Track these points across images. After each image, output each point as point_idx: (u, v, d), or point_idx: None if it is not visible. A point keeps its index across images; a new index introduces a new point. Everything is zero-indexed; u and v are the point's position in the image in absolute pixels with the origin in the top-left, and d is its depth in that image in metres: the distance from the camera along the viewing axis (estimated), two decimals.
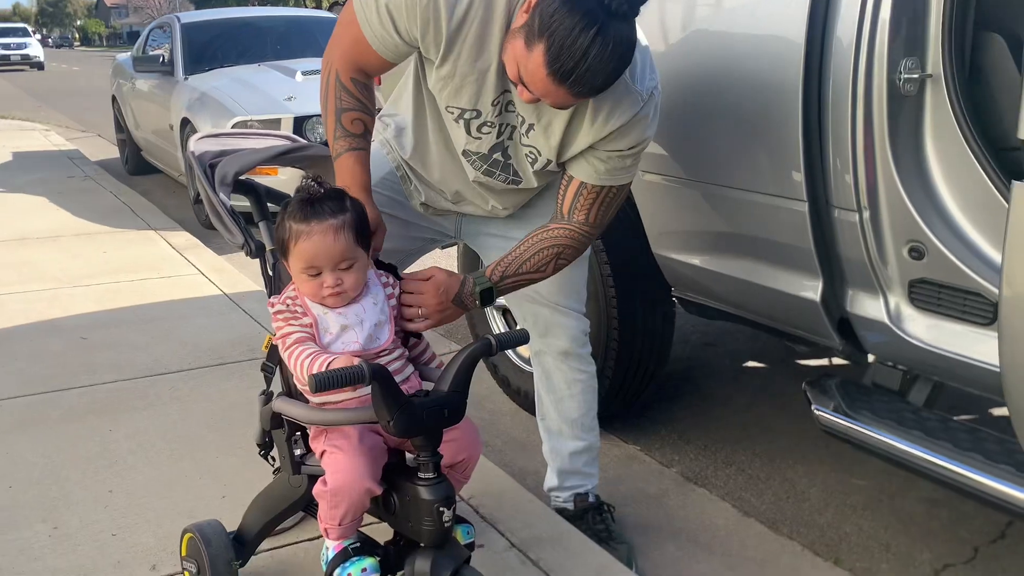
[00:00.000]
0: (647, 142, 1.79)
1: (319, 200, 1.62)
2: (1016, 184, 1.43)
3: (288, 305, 1.63)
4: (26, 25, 40.99)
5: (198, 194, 6.07)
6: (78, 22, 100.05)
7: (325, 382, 1.45)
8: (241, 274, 4.49)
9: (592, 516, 2.27)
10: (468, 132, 1.82)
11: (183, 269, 4.60)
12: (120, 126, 8.44)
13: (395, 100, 2.03)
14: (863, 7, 1.82)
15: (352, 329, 1.65)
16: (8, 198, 6.52)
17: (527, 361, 2.92)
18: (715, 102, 2.18)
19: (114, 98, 8.52)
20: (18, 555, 2.08)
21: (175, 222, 5.75)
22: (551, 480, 2.33)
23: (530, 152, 1.84)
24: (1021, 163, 1.48)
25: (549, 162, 1.83)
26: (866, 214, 1.90)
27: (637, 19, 1.79)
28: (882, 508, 2.48)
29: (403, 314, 1.74)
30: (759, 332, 3.67)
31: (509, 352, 3.07)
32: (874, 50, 1.82)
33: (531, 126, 1.79)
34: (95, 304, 3.98)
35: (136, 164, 8.13)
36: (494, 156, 1.86)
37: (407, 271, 1.92)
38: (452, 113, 1.81)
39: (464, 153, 1.88)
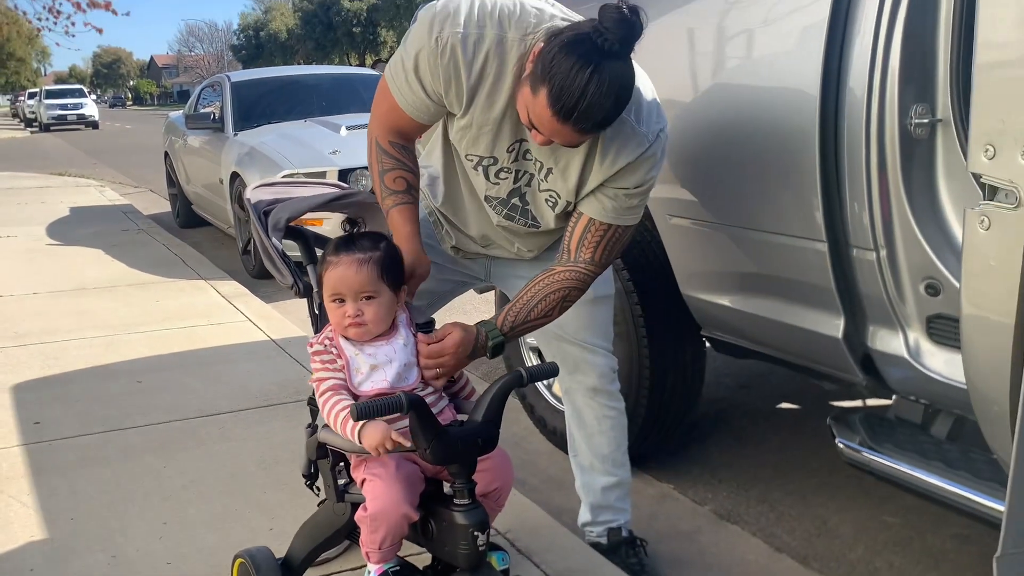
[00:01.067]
0: (652, 182, 1.89)
1: (356, 238, 1.79)
2: (968, 211, 1.55)
3: (325, 346, 1.76)
4: (82, 87, 42.60)
5: (246, 244, 6.34)
6: (131, 82, 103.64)
7: (365, 411, 1.57)
8: (287, 320, 4.66)
9: (625, 550, 2.34)
10: (487, 178, 1.97)
11: (232, 316, 4.78)
12: (172, 181, 8.79)
13: (428, 153, 2.18)
14: (873, 58, 1.93)
15: (381, 369, 1.76)
16: (66, 250, 6.83)
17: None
18: (740, 150, 2.29)
19: (166, 154, 8.89)
20: None
21: (224, 272, 5.96)
22: (584, 515, 2.41)
23: (550, 196, 1.96)
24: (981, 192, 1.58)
25: (568, 203, 1.95)
26: (883, 253, 1.99)
27: (652, 69, 1.93)
28: (913, 544, 2.51)
29: (423, 373, 1.80)
30: (793, 374, 3.72)
31: (545, 393, 3.17)
32: (885, 98, 1.92)
33: (549, 170, 1.92)
34: (149, 349, 4.16)
35: (187, 217, 8.44)
36: (512, 201, 2.00)
37: (437, 313, 2.04)
38: (471, 161, 1.96)
39: (486, 199, 2.02)
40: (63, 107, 34.51)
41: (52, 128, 33.49)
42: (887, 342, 2.08)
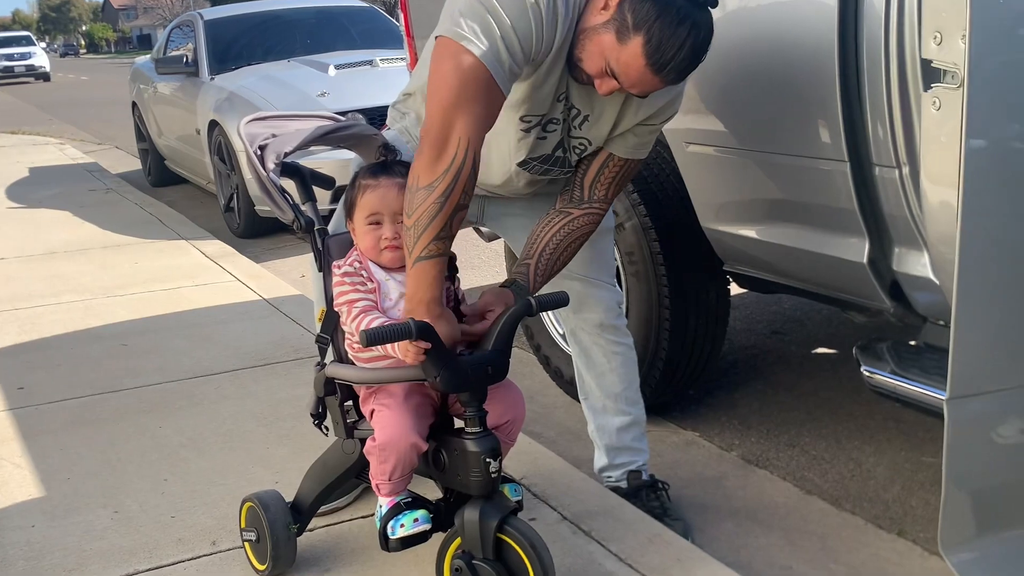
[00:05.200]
0: (675, 115, 2.18)
1: (389, 164, 2.04)
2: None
3: (355, 268, 1.99)
4: (30, 33, 42.76)
5: (228, 200, 6.56)
6: (83, 27, 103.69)
7: (375, 337, 1.80)
8: (280, 280, 4.90)
9: (646, 494, 2.56)
10: (539, 137, 2.13)
11: (219, 277, 5.02)
12: (141, 135, 9.02)
13: (421, 94, 2.23)
14: None
15: None
16: (31, 213, 7.09)
17: None
18: (759, 71, 2.47)
19: (134, 105, 9.11)
20: (83, 535, 2.46)
21: (206, 232, 6.20)
22: (600, 460, 2.62)
23: (580, 143, 2.18)
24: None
25: (591, 147, 2.17)
26: (906, 170, 2.19)
27: None
28: None
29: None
30: (829, 318, 3.94)
31: (560, 343, 3.39)
32: (904, 14, 2.10)
33: (586, 117, 2.12)
34: (131, 313, 4.42)
35: (159, 175, 8.69)
36: (556, 154, 2.19)
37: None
38: (528, 123, 2.09)
39: (523, 163, 2.18)
40: (9, 57, 34.73)
41: None
42: (913, 264, 2.29)
